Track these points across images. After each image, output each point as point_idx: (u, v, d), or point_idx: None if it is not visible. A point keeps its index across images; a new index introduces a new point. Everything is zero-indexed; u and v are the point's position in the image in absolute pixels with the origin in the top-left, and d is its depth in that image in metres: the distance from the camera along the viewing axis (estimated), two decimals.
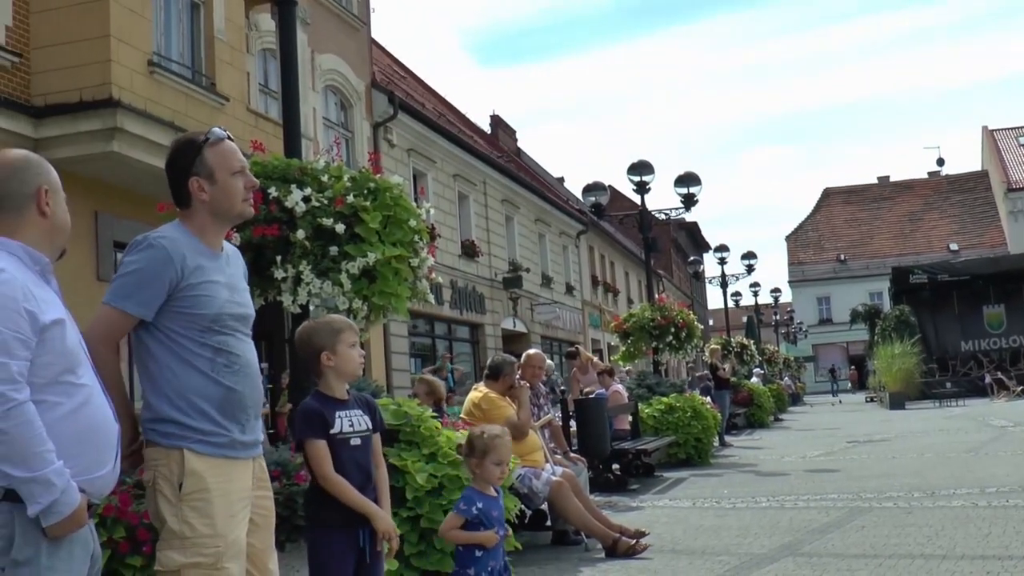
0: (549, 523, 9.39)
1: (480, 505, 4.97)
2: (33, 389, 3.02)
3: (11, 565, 3.00)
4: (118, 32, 13.44)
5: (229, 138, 3.89)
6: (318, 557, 4.46)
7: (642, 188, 20.46)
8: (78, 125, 13.39)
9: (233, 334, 3.77)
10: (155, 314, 3.67)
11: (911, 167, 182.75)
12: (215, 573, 3.58)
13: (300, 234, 6.05)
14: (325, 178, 6.30)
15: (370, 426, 4.57)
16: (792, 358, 58.48)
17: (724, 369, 23.50)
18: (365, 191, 6.35)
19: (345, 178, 6.37)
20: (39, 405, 3.02)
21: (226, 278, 3.83)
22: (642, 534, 8.71)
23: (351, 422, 4.49)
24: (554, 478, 8.76)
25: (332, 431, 4.42)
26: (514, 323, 33.49)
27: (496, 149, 39.87)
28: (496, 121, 46.61)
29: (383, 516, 4.44)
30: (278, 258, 6.09)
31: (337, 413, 4.46)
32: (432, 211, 7.09)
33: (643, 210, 20.97)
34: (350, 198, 6.19)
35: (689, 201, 21.25)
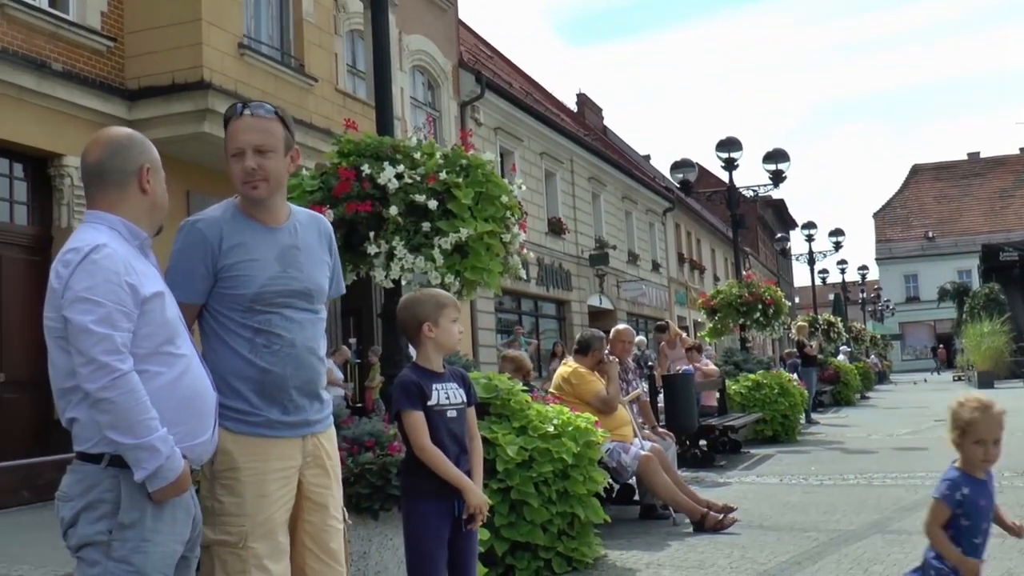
0: (637, 497, 9.47)
1: (966, 491, 4.07)
2: (136, 359, 3.15)
3: (118, 528, 3.14)
4: (209, 16, 13.72)
5: (249, 114, 3.76)
6: (412, 526, 4.48)
7: (730, 165, 20.37)
8: (170, 107, 13.73)
9: (279, 312, 3.71)
10: (207, 296, 3.70)
11: (1002, 143, 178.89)
12: (240, 552, 3.59)
13: (393, 210, 6.12)
14: (418, 155, 6.37)
15: (465, 399, 4.60)
16: (879, 336, 57.67)
17: (811, 346, 23.31)
18: (457, 168, 6.41)
19: (437, 155, 6.43)
20: (142, 375, 3.14)
21: (283, 251, 3.76)
22: (730, 509, 8.75)
23: (447, 394, 4.51)
24: (642, 452, 8.84)
25: (429, 403, 4.45)
26: (600, 300, 33.52)
27: (582, 127, 39.81)
28: (582, 100, 46.55)
29: (475, 490, 4.45)
30: (371, 234, 6.17)
31: (434, 385, 4.49)
32: (523, 187, 7.14)
33: (731, 187, 20.88)
34: (442, 175, 6.25)
35: (777, 177, 21.11)
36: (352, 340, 18.78)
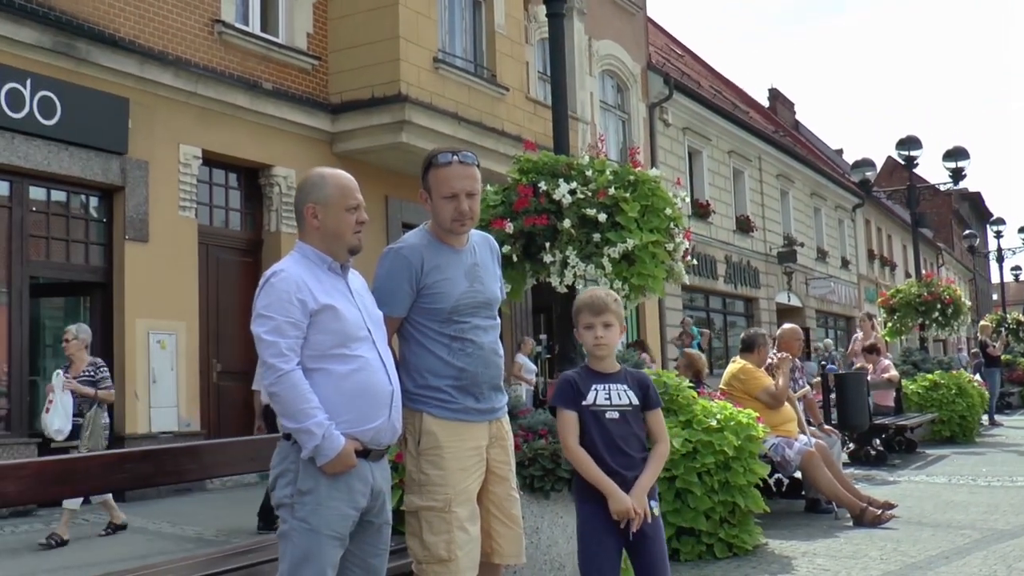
0: (804, 492, 9.83)
1: None
2: (312, 359, 3.90)
3: (298, 494, 3.87)
4: (407, 33, 14.68)
5: (455, 162, 4.40)
6: (577, 525, 4.61)
7: (910, 163, 20.22)
8: (370, 119, 14.86)
9: (470, 320, 4.42)
10: (408, 311, 4.41)
11: None
12: (445, 515, 4.29)
13: (567, 223, 6.75)
14: (589, 172, 6.97)
15: (635, 402, 4.58)
16: None
17: (995, 347, 22.73)
18: (625, 183, 7.01)
19: (607, 172, 7.03)
20: (318, 372, 3.89)
21: (468, 269, 4.48)
22: (890, 505, 9.03)
23: (608, 395, 4.55)
24: (807, 448, 9.15)
25: (584, 402, 4.53)
26: (788, 297, 33.44)
27: (773, 123, 39.66)
28: (774, 95, 46.27)
29: (616, 495, 4.40)
30: (547, 244, 6.82)
31: (594, 385, 4.56)
32: (687, 199, 7.67)
33: (911, 186, 20.75)
34: (612, 190, 6.84)
35: (957, 175, 20.89)
36: (543, 336, 19.50)
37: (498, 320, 4.62)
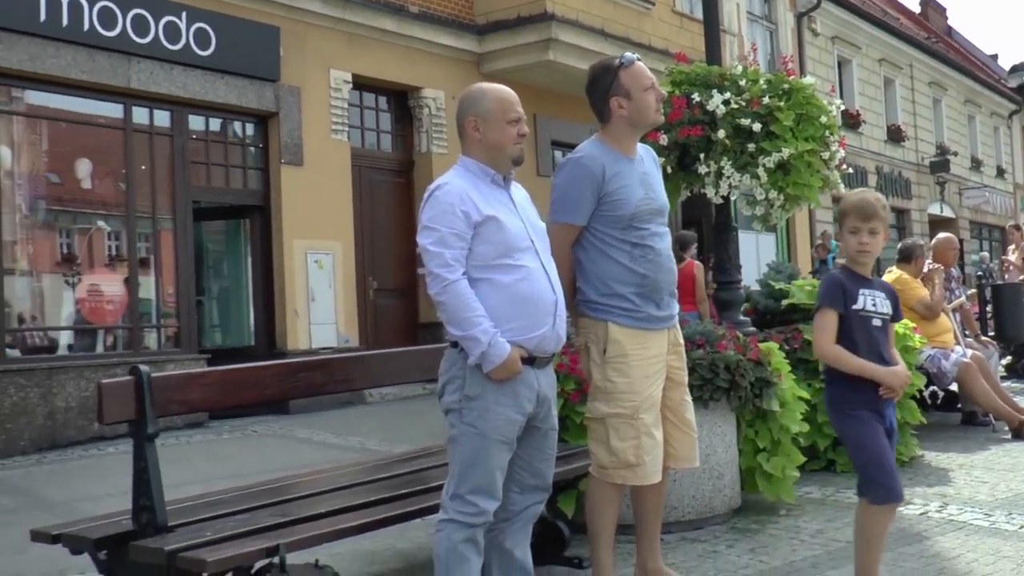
0: (960, 405, 9.71)
1: None
2: (477, 269, 4.00)
3: (466, 399, 4.01)
4: None
5: (638, 59, 4.64)
6: (851, 431, 4.47)
7: None
8: (516, 39, 14.94)
9: (648, 227, 4.53)
10: (588, 219, 4.51)
11: None
12: (633, 422, 4.45)
13: (721, 134, 6.75)
14: (743, 83, 6.94)
15: (891, 312, 4.50)
16: None
17: None
18: (779, 92, 6.97)
19: (761, 81, 7.00)
20: (483, 281, 3.99)
21: (641, 178, 4.58)
22: None
23: (874, 302, 4.43)
24: (963, 359, 9.02)
25: (855, 306, 4.38)
26: (941, 208, 32.59)
27: (924, 29, 38.32)
28: (925, 0, 44.64)
29: (891, 371, 4.36)
30: (701, 155, 6.85)
31: (861, 290, 4.42)
32: (842, 107, 7.57)
33: None
34: (766, 99, 6.81)
35: None
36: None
37: (668, 229, 4.72)
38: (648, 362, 4.49)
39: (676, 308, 4.68)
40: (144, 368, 4.16)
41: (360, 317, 14.06)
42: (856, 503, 4.57)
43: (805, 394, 6.78)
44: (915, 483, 7.09)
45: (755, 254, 19.48)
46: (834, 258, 20.69)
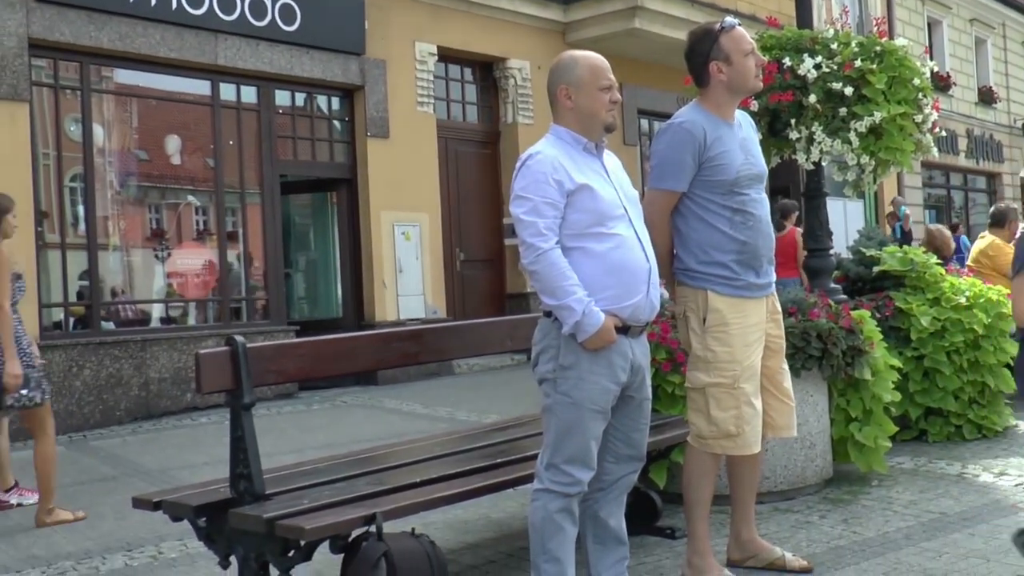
0: None
1: None
2: (570, 238, 3.97)
3: (560, 368, 3.99)
4: None
5: (739, 23, 4.57)
6: None
7: None
8: (602, 7, 14.85)
9: (748, 192, 4.47)
10: (689, 184, 4.46)
11: None
12: (733, 391, 4.40)
13: (812, 98, 6.63)
14: (834, 46, 6.81)
15: None
16: None
17: None
18: (872, 55, 6.83)
19: (853, 44, 6.87)
20: (576, 250, 3.96)
21: (741, 143, 4.53)
22: None
23: None
24: None
25: None
26: None
27: None
28: None
29: None
30: (792, 121, 6.72)
31: None
32: (935, 69, 7.42)
33: None
34: (857, 63, 6.67)
35: None
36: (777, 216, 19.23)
37: (766, 195, 4.67)
38: (748, 330, 4.45)
39: (773, 276, 4.63)
40: (239, 338, 4.23)
41: (447, 288, 14.14)
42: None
43: (897, 363, 6.70)
44: (1010, 453, 6.97)
45: (843, 221, 19.18)
46: (901, 225, 20.35)
